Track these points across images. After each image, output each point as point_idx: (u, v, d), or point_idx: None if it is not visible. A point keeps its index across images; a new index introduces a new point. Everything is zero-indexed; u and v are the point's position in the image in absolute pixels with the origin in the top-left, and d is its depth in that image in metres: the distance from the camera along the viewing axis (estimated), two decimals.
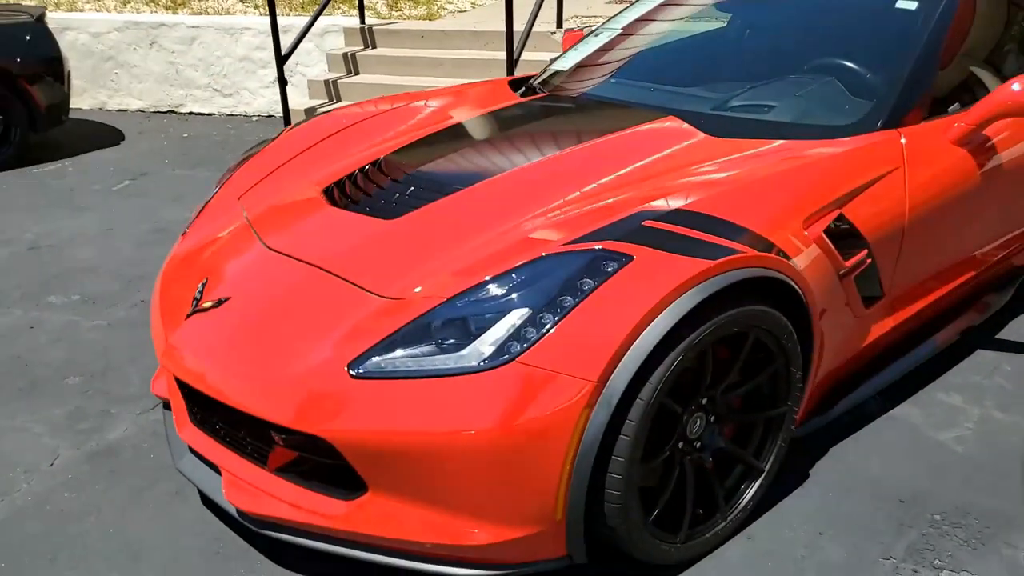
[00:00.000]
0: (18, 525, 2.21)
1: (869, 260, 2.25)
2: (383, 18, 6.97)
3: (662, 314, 1.72)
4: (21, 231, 4.50)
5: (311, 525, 1.85)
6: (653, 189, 2.07)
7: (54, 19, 7.36)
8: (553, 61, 3.45)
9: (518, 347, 1.68)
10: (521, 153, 2.46)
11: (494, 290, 1.78)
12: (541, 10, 5.55)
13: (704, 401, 1.95)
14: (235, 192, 2.65)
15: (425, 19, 6.97)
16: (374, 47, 6.37)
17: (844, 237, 2.15)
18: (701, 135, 2.46)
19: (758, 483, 2.11)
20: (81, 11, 7.97)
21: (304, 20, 6.60)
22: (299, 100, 6.34)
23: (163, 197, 5.04)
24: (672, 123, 2.54)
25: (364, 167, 2.53)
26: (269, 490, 1.91)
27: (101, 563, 2.07)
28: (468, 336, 1.73)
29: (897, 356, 2.60)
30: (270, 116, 7.08)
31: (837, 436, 2.48)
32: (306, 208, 2.35)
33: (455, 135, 2.73)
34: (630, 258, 1.77)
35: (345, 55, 6.27)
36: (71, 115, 7.13)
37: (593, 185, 2.17)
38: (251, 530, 2.07)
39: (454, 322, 1.76)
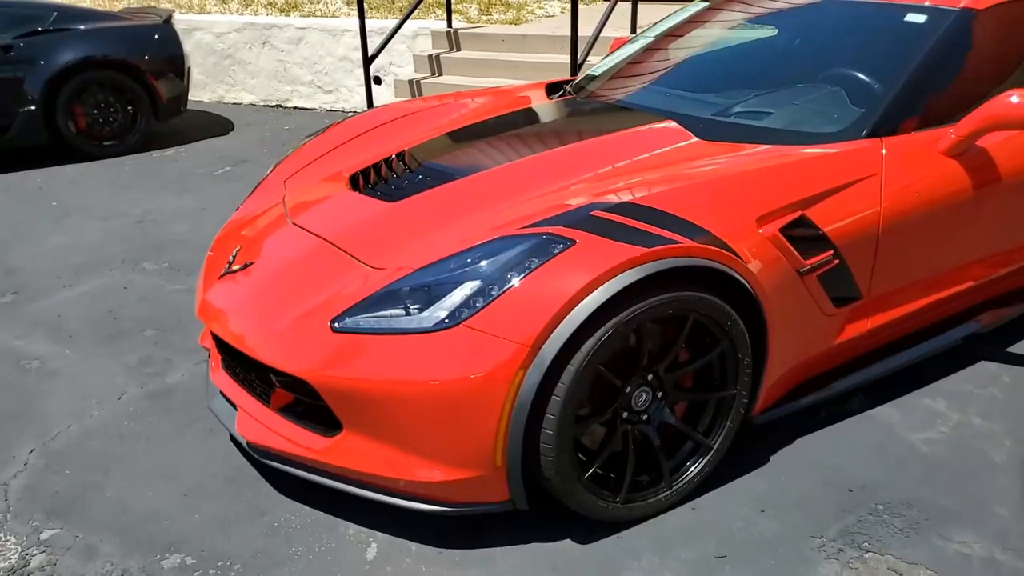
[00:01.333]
0: (86, 442, 2.67)
1: (836, 261, 2.37)
2: (472, 22, 7.34)
3: (595, 292, 1.94)
4: (133, 207, 5.14)
5: (301, 457, 2.18)
6: (621, 183, 2.28)
7: (184, 20, 8.18)
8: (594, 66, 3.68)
9: (467, 313, 1.95)
10: (524, 148, 2.72)
11: (454, 264, 2.05)
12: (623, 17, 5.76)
13: (650, 377, 2.15)
14: (283, 175, 3.04)
15: (511, 23, 7.30)
16: (458, 50, 6.76)
17: (806, 237, 2.29)
18: (694, 138, 2.64)
19: (706, 459, 2.29)
20: (208, 13, 8.78)
21: (407, 23, 7.06)
22: (386, 98, 6.80)
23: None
24: (669, 126, 2.74)
25: (389, 157, 2.86)
26: (271, 426, 2.27)
27: (143, 479, 2.49)
28: (429, 302, 2.01)
29: (883, 357, 2.69)
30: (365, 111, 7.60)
31: (808, 429, 2.60)
32: (331, 191, 2.70)
33: (472, 131, 3.02)
34: (573, 242, 2.00)
35: (430, 57, 6.68)
36: (192, 107, 7.94)
37: (573, 179, 2.40)
38: (264, 464, 2.44)
39: (419, 290, 2.05)
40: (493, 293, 1.96)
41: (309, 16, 8.23)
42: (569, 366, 1.95)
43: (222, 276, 2.49)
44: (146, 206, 5.15)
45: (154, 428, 2.75)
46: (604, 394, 2.12)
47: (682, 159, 2.48)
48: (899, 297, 2.64)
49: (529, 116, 3.13)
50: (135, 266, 4.16)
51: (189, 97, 7.20)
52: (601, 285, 1.95)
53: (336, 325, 2.08)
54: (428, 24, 7.19)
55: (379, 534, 2.23)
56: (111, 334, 3.43)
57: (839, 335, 2.52)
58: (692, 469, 2.27)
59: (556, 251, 1.99)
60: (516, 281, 1.96)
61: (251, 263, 2.44)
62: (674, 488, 2.25)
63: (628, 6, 6.41)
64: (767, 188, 2.28)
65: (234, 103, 8.32)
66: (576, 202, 2.18)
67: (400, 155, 2.87)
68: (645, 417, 2.19)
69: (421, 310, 2.01)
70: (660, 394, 2.20)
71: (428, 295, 2.03)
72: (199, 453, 2.61)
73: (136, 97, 6.43)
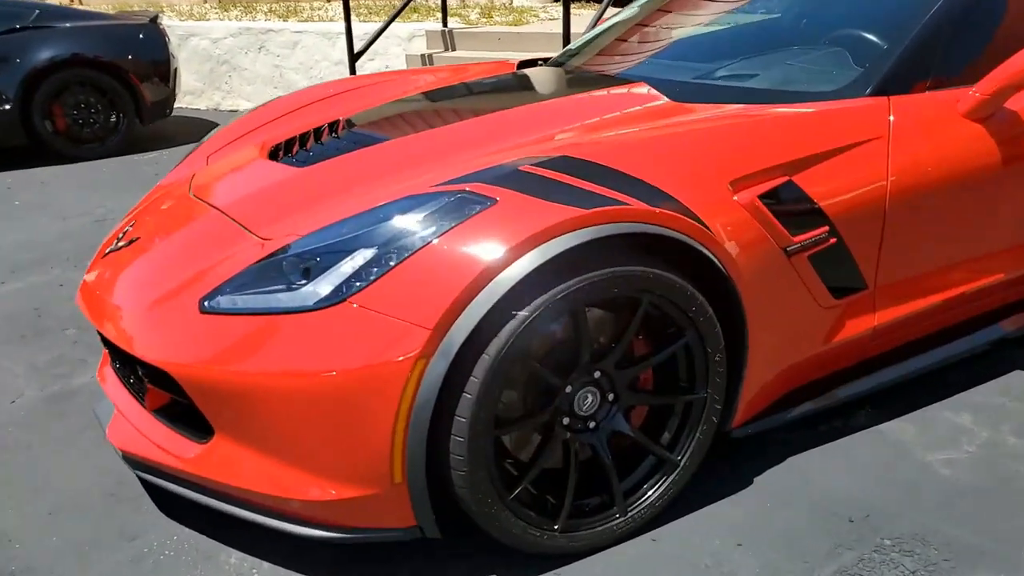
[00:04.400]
0: None
1: (833, 240, 1.95)
2: (471, 24, 7.04)
3: (517, 262, 1.54)
4: (96, 207, 4.84)
5: (169, 467, 1.79)
6: (564, 140, 1.88)
7: (181, 27, 7.97)
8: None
9: (357, 286, 1.56)
10: (467, 113, 2.34)
11: (347, 229, 1.66)
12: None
13: (597, 375, 1.74)
14: (208, 151, 2.69)
15: (512, 25, 6.98)
16: (453, 49, 6.44)
17: (793, 207, 1.88)
18: (664, 99, 2.24)
19: (670, 479, 1.86)
20: (207, 20, 8.59)
21: (403, 26, 6.79)
22: None
23: None
24: (638, 89, 2.34)
25: (320, 127, 2.49)
26: (144, 430, 1.88)
27: (7, 494, 2.11)
28: (315, 274, 1.62)
29: (895, 361, 2.25)
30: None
31: (803, 446, 2.16)
32: (244, 161, 2.34)
33: (418, 98, 2.66)
34: (494, 201, 1.60)
35: (423, 56, 6.37)
36: (188, 114, 7.70)
37: (514, 140, 2.01)
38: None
39: (303, 259, 1.66)
40: (390, 263, 1.56)
41: (307, 22, 7.99)
42: (484, 356, 1.54)
43: (106, 255, 2.13)
44: (110, 206, 4.84)
45: (41, 435, 2.38)
46: (538, 395, 1.70)
47: (645, 119, 2.08)
48: (913, 289, 2.19)
49: (484, 85, 2.75)
50: (78, 264, 3.83)
51: (184, 104, 6.94)
52: (525, 254, 1.55)
53: (206, 304, 1.69)
54: (424, 25, 6.90)
55: (265, 564, 1.82)
56: (28, 333, 3.09)
57: (840, 333, 2.08)
58: (652, 492, 1.84)
59: (472, 212, 1.60)
60: (419, 248, 1.56)
61: (137, 238, 2.08)
62: (629, 514, 1.82)
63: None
64: (744, 147, 1.87)
65: (231, 110, 8.06)
66: (507, 159, 1.79)
67: (333, 124, 2.51)
68: (592, 425, 1.77)
69: (304, 285, 1.62)
70: (611, 396, 1.77)
71: (316, 266, 1.64)
72: (82, 465, 2.23)
73: (119, 98, 6.17)
